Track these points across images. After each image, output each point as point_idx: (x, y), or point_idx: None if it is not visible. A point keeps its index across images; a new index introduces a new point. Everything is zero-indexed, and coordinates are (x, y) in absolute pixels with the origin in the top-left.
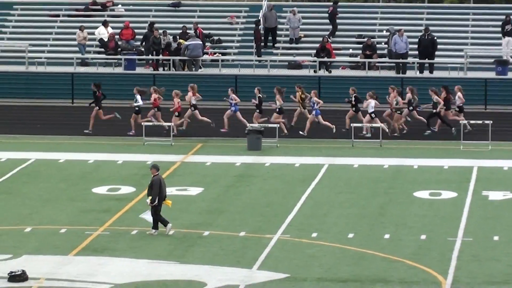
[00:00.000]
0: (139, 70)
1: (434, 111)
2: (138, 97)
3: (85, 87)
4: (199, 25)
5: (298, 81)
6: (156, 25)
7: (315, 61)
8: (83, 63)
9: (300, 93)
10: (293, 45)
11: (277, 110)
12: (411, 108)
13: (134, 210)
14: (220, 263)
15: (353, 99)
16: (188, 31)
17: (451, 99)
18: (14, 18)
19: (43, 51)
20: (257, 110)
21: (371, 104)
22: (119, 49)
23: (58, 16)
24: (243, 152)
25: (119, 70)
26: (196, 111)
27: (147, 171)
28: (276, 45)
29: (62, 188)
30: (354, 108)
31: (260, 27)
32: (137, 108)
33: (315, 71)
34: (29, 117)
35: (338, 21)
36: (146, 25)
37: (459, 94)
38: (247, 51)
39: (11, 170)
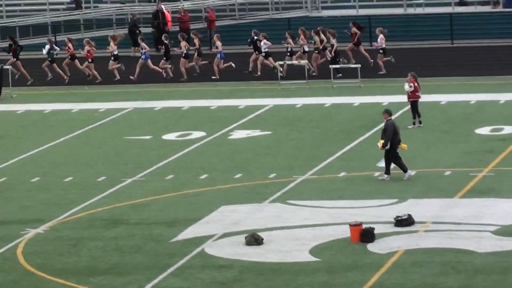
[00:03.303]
0: None
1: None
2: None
3: (463, 27)
4: None
5: None
6: None
7: None
8: (461, 2)
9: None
10: None
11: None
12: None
13: None
14: None
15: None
16: None
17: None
18: None
19: None
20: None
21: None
22: None
23: None
24: None
25: (499, 8)
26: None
27: None
28: None
29: (445, 130)
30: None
31: None
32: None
33: None
34: (410, 60)
35: None
36: None
37: (381, 36)
38: None
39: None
